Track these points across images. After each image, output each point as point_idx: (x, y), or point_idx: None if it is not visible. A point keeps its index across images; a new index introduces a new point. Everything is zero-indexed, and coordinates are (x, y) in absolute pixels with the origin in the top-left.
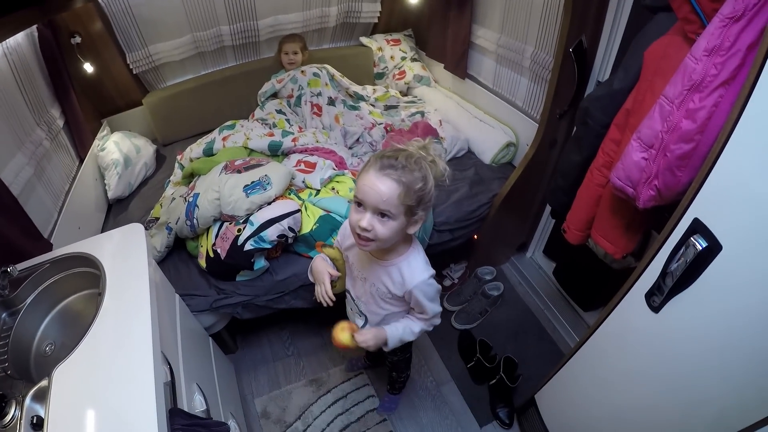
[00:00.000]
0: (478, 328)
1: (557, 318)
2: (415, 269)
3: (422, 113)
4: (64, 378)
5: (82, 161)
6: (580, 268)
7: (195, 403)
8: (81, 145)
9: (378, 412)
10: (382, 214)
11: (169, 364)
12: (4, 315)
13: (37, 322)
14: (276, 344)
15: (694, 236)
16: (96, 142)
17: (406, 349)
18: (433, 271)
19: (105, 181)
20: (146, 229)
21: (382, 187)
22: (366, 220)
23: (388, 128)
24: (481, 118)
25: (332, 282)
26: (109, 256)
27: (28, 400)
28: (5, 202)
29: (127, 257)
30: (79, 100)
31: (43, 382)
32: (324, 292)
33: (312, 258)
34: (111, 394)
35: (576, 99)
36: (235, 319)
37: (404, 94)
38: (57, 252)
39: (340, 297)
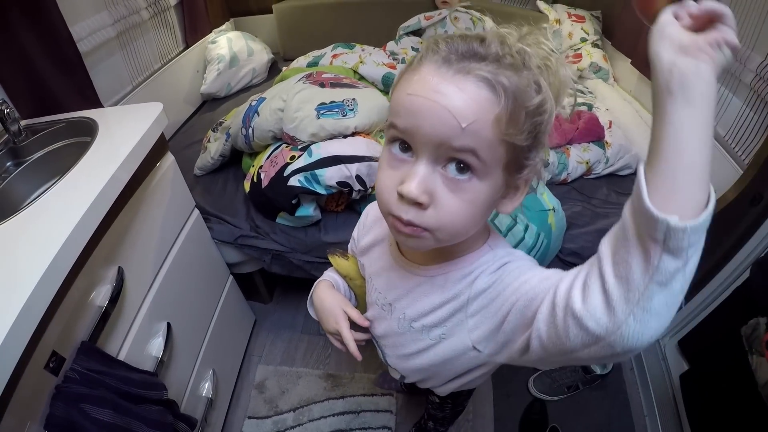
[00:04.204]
0: (558, 404)
1: None
2: (500, 251)
3: (590, 106)
4: None
5: (187, 47)
6: (720, 387)
7: (149, 345)
8: (192, 31)
9: None
10: (458, 162)
11: (121, 284)
12: (9, 163)
13: (36, 182)
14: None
15: None
16: (212, 35)
17: (460, 401)
18: None
19: (204, 75)
20: (213, 131)
21: (456, 96)
22: (417, 178)
23: None
24: None
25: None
26: (108, 129)
27: None
28: (66, 54)
29: (121, 136)
30: None
31: None
32: (345, 343)
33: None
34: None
35: None
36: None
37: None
38: (71, 114)
39: None
